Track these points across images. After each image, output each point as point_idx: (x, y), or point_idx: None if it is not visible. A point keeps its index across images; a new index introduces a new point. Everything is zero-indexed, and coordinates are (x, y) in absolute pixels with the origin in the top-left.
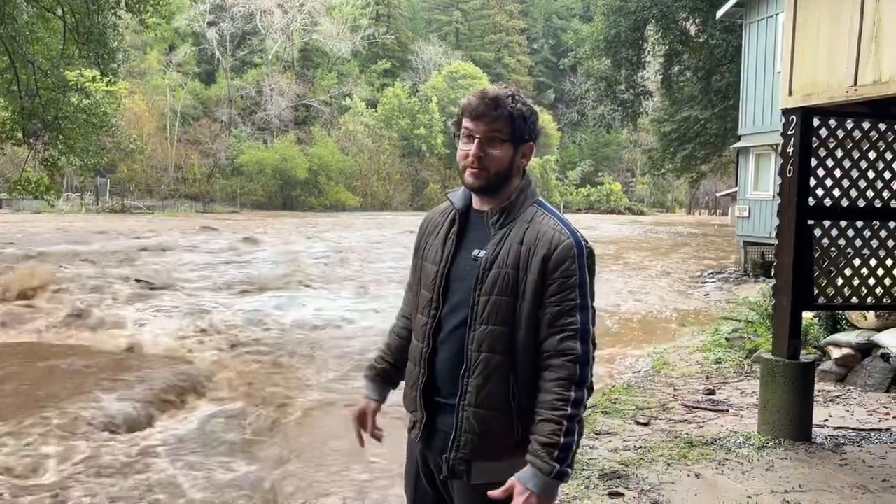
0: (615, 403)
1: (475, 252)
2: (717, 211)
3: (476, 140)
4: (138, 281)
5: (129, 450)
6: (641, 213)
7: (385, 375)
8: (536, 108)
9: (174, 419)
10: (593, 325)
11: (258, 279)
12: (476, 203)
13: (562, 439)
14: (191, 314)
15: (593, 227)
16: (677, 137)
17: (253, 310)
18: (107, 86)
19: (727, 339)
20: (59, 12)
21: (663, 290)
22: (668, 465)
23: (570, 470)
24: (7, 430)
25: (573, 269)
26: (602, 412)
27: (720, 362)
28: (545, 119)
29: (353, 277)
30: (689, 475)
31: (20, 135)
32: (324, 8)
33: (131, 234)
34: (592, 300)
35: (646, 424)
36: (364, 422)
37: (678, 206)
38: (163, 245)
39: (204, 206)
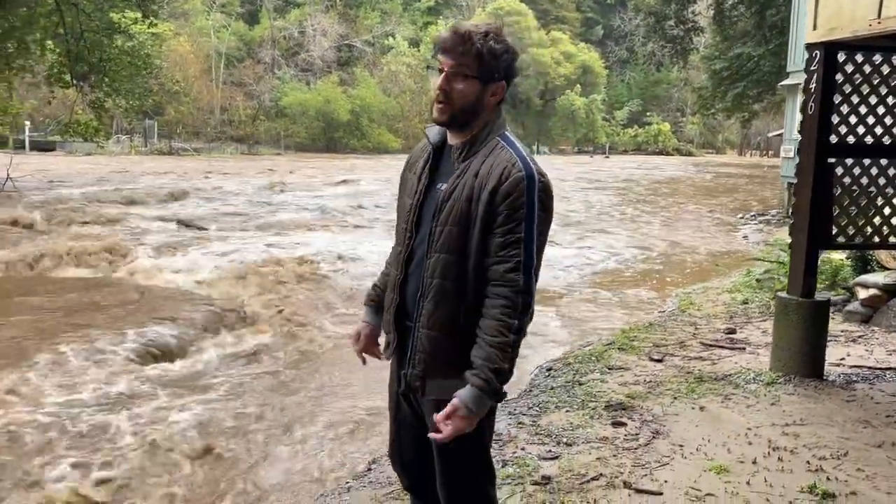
0: (633, 341)
1: (439, 185)
2: (769, 152)
3: (443, 75)
4: (180, 222)
5: (162, 377)
6: (690, 154)
7: (379, 302)
8: (585, 45)
9: (208, 351)
10: (538, 258)
11: (300, 220)
12: (451, 139)
13: (497, 363)
14: (231, 253)
15: (639, 168)
16: (729, 75)
17: (295, 247)
18: (148, 27)
19: (758, 281)
20: None
21: (702, 232)
22: (675, 398)
23: (503, 391)
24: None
25: (521, 202)
26: (618, 349)
27: (747, 303)
28: (592, 57)
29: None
30: (693, 408)
31: (68, 77)
32: None
33: (181, 174)
34: (542, 235)
35: (659, 361)
36: (360, 343)
37: (729, 147)
38: (206, 186)
39: (249, 148)
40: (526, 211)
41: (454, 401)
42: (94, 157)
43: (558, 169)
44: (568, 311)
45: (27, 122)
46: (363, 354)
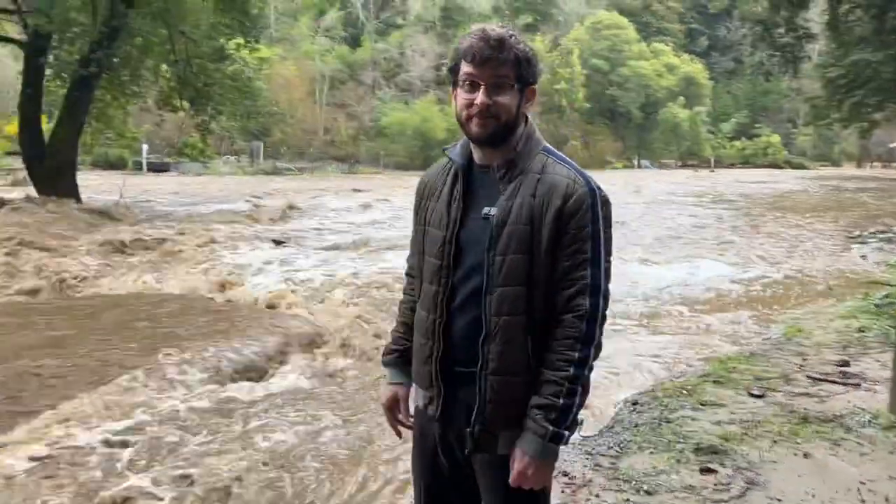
0: (731, 372)
1: (485, 210)
2: (893, 164)
3: (482, 87)
4: (275, 241)
5: (243, 397)
6: (803, 167)
7: (408, 357)
8: (689, 56)
9: (287, 372)
10: (606, 279)
11: (394, 238)
12: (478, 157)
13: (560, 401)
14: (321, 271)
15: (747, 182)
16: (845, 84)
17: (388, 269)
18: (249, 53)
19: (877, 306)
20: None
21: (814, 250)
22: (775, 441)
23: (567, 433)
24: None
25: (586, 219)
26: (713, 381)
27: (863, 331)
28: (696, 68)
29: None
30: (795, 454)
31: (177, 102)
32: None
33: (281, 193)
34: (609, 254)
35: (760, 396)
36: (396, 411)
37: (846, 159)
38: (306, 205)
39: (349, 167)
40: (591, 229)
41: (519, 457)
42: (203, 178)
43: (661, 183)
44: (661, 337)
45: (144, 145)
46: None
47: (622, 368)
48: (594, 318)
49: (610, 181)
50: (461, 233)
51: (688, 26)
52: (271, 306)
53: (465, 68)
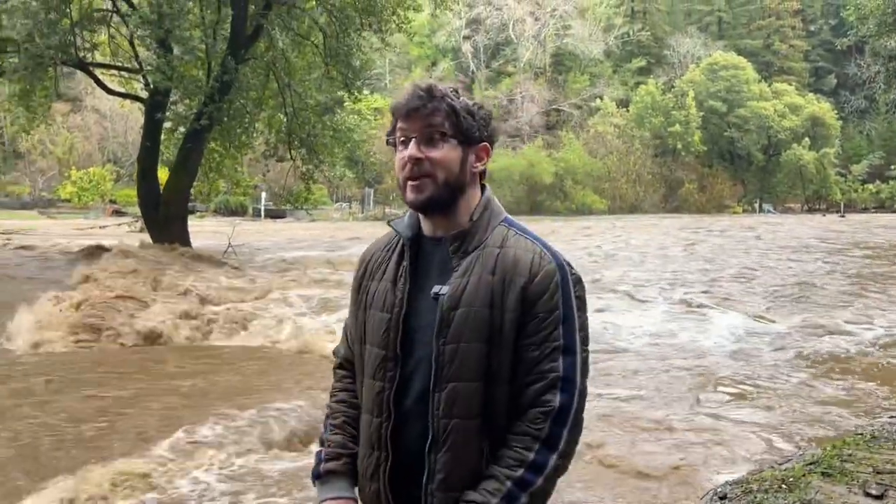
0: (845, 461)
1: (435, 289)
2: None
3: (413, 141)
4: None
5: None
6: None
7: (348, 465)
8: (814, 96)
9: None
10: (583, 372)
11: None
12: (428, 228)
13: (495, 501)
14: None
15: (884, 228)
16: None
17: None
18: (354, 103)
19: None
20: (312, 37)
21: None
22: None
23: None
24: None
25: (556, 301)
26: (822, 472)
27: None
28: (822, 108)
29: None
30: None
31: (283, 152)
32: (576, 11)
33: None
34: (585, 342)
35: (879, 497)
36: None
37: None
38: None
39: None
40: (563, 312)
41: None
42: (315, 224)
43: (786, 229)
44: (764, 411)
45: (263, 193)
46: None
47: (721, 440)
48: (563, 419)
49: (728, 226)
50: (409, 316)
51: (813, 65)
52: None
53: (399, 125)
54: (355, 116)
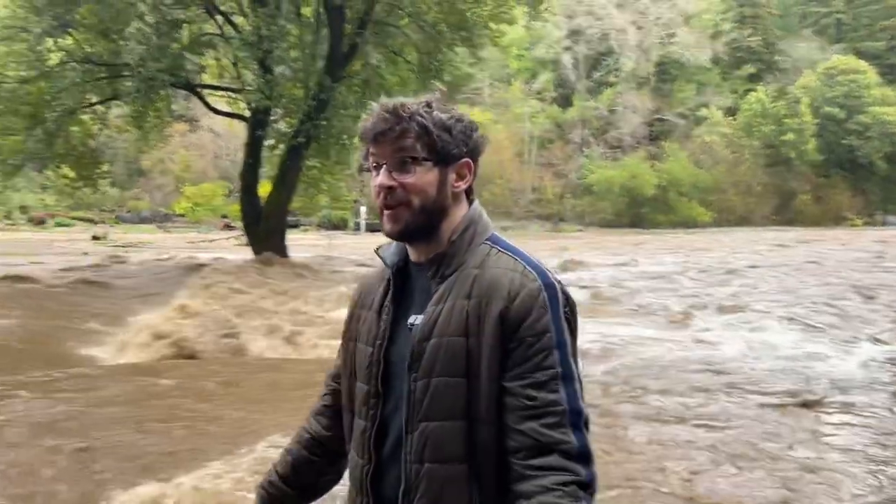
0: None
1: (411, 319)
2: None
3: (383, 168)
4: None
5: None
6: None
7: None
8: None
9: None
10: (583, 400)
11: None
12: (413, 254)
13: None
14: None
15: None
16: None
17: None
18: None
19: None
20: (405, 54)
21: None
22: None
23: None
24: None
25: (545, 323)
26: None
27: None
28: None
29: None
30: None
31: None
32: (681, 19)
33: None
34: (577, 365)
35: None
36: None
37: None
38: None
39: (553, 225)
40: (555, 335)
41: None
42: None
43: None
44: (878, 448)
45: (363, 207)
46: None
47: (828, 475)
48: (587, 457)
49: (847, 241)
50: (391, 349)
51: None
52: None
53: (369, 148)
54: None
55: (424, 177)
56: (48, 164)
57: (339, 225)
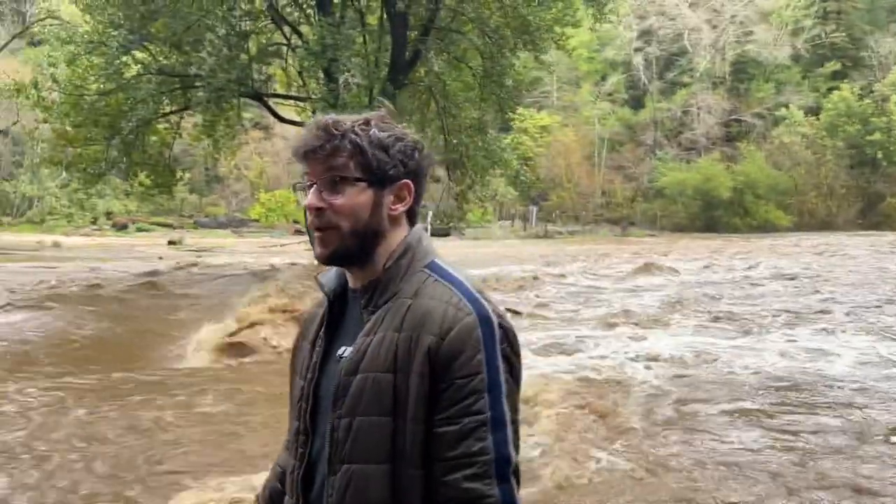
0: None
1: (340, 350)
2: None
3: (313, 188)
4: (509, 311)
5: None
6: None
7: None
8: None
9: None
10: (516, 448)
11: (648, 310)
12: (351, 280)
13: None
14: (551, 348)
15: None
16: None
17: (627, 343)
18: (520, 122)
19: None
20: (467, 60)
21: None
22: None
23: None
24: None
25: (477, 362)
26: None
27: None
28: None
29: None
30: None
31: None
32: (758, 15)
33: (543, 257)
34: (516, 411)
35: None
36: None
37: None
38: (560, 270)
39: (622, 230)
40: (487, 376)
41: None
42: (477, 242)
43: None
44: None
45: (430, 212)
46: None
47: None
48: None
49: None
50: (321, 384)
51: None
52: None
53: (302, 166)
54: (520, 135)
55: (356, 198)
56: (126, 172)
57: None
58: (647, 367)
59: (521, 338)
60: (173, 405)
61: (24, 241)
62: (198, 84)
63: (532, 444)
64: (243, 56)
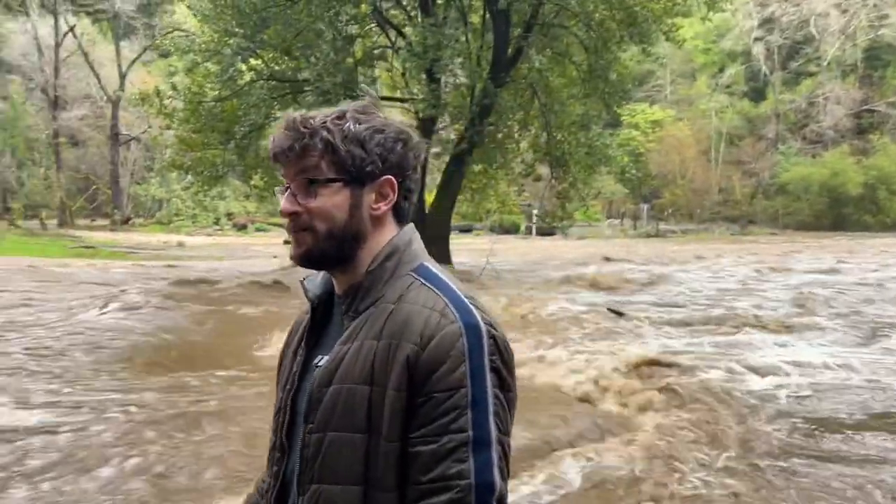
0: None
1: (316, 359)
2: None
3: (287, 192)
4: (611, 310)
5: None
6: None
7: None
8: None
9: (559, 466)
10: (502, 473)
11: (765, 315)
12: (336, 286)
13: None
14: (658, 353)
15: None
16: None
17: (730, 351)
18: (630, 116)
19: None
20: (570, 55)
21: None
22: None
23: None
24: None
25: (459, 375)
26: None
27: None
28: None
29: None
30: None
31: (539, 171)
32: None
33: (653, 257)
34: (505, 431)
35: None
36: None
37: None
38: (671, 271)
39: (741, 228)
40: (472, 390)
41: None
42: (583, 241)
43: None
44: None
45: (535, 211)
46: None
47: None
48: None
49: None
50: (299, 396)
51: None
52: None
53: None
54: (630, 130)
55: (332, 199)
56: (242, 175)
57: (509, 229)
58: (774, 374)
59: (622, 341)
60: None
61: (152, 241)
62: (307, 89)
63: (629, 456)
64: (349, 60)
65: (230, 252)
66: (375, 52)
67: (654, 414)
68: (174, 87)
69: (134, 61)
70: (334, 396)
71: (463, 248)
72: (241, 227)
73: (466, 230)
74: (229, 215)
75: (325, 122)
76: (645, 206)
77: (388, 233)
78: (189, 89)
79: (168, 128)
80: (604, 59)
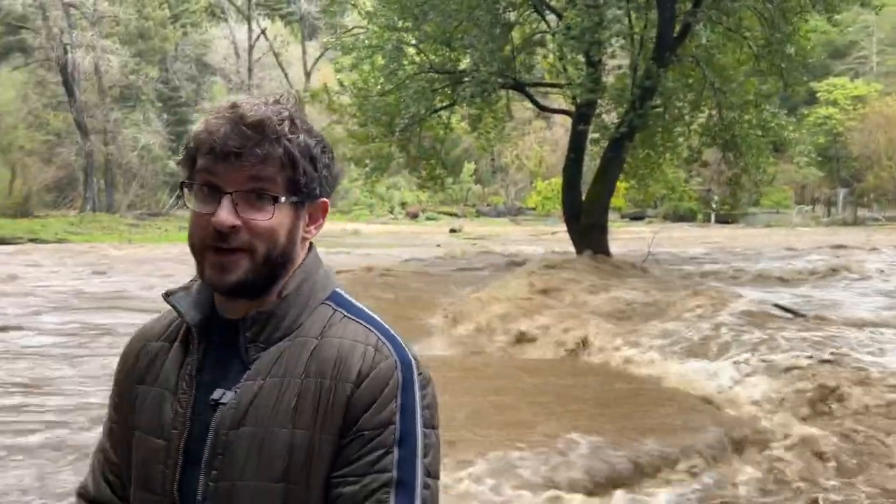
0: None
1: (216, 394)
2: None
3: (225, 199)
4: (780, 307)
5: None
6: None
7: None
8: None
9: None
10: None
11: None
12: (222, 307)
13: None
14: (808, 354)
15: None
16: None
17: None
18: (827, 92)
19: None
20: (741, 30)
21: None
22: None
23: None
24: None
25: (390, 412)
26: None
27: None
28: None
29: None
30: None
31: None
32: None
33: (847, 249)
34: (433, 474)
35: None
36: None
37: None
38: (861, 264)
39: None
40: (400, 428)
41: None
42: (768, 230)
43: None
44: None
45: (714, 197)
46: None
47: None
48: None
49: None
50: (192, 437)
51: None
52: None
53: (202, 163)
54: (827, 107)
55: (281, 219)
56: (407, 166)
57: (684, 216)
58: None
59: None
60: None
61: (332, 229)
62: (465, 80)
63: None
64: (507, 48)
65: (400, 240)
66: (535, 38)
67: (803, 425)
68: (341, 84)
69: (317, 60)
70: (248, 441)
71: (630, 236)
72: (414, 216)
73: (638, 217)
74: (403, 205)
75: (284, 130)
76: (842, 192)
77: (307, 257)
78: (355, 84)
79: (338, 122)
80: (780, 33)
